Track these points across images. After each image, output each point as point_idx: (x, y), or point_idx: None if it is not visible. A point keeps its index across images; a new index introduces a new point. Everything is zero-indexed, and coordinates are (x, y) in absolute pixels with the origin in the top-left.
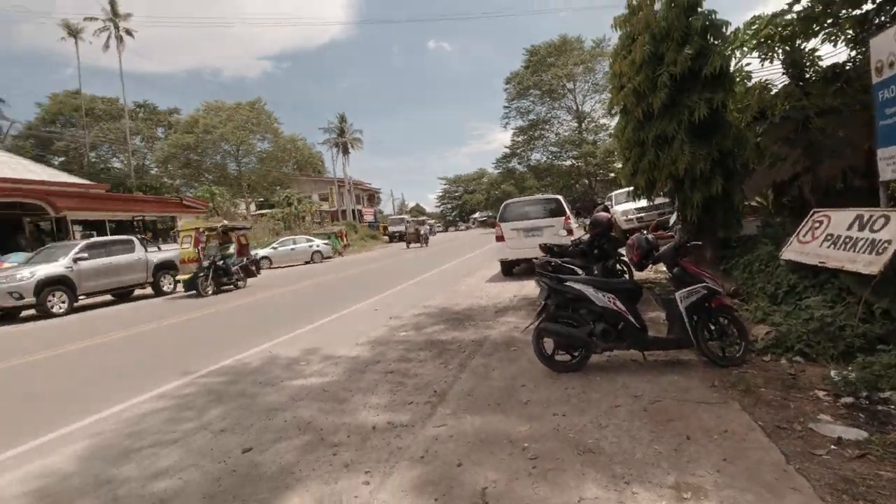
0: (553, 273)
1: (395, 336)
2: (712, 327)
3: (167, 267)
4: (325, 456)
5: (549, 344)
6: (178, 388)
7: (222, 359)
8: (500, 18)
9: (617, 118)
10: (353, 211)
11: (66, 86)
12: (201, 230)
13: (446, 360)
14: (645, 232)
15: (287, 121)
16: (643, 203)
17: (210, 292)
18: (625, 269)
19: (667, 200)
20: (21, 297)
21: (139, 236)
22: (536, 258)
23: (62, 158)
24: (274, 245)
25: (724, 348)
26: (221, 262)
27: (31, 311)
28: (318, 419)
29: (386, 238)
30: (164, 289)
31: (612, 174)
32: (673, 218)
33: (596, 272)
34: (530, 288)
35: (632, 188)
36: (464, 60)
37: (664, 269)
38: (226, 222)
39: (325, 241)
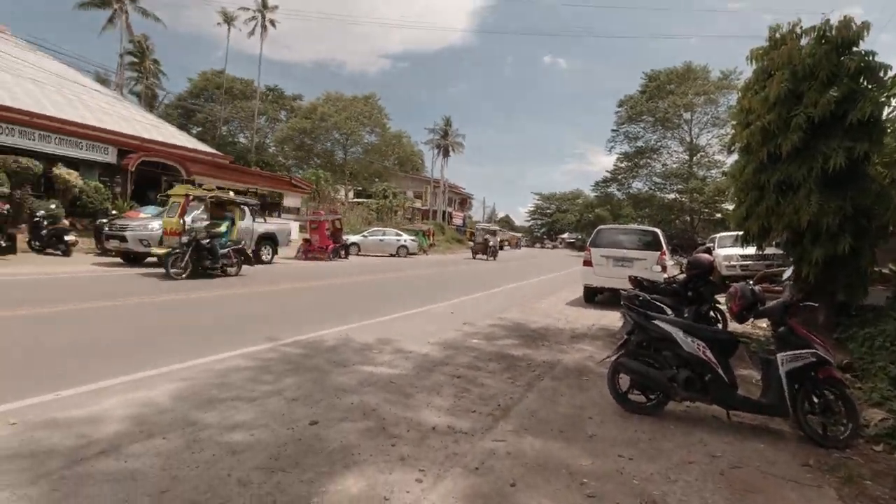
0: (640, 308)
1: (466, 342)
2: (815, 400)
3: (268, 238)
4: (383, 445)
5: (624, 381)
6: (261, 352)
7: (302, 333)
8: (621, 39)
9: (735, 156)
10: (444, 212)
11: (214, 66)
12: (191, 198)
13: (514, 375)
14: (750, 282)
15: (395, 117)
16: (751, 251)
17: (183, 275)
18: (718, 317)
19: (778, 252)
20: (148, 245)
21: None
22: (624, 290)
23: (199, 129)
24: (364, 233)
25: (826, 426)
26: (207, 241)
27: (154, 259)
28: (382, 408)
29: (471, 244)
30: (263, 258)
31: (719, 215)
32: (788, 272)
33: (686, 315)
34: (611, 319)
35: (741, 233)
36: (577, 78)
37: (764, 324)
38: (224, 194)
39: (413, 238)
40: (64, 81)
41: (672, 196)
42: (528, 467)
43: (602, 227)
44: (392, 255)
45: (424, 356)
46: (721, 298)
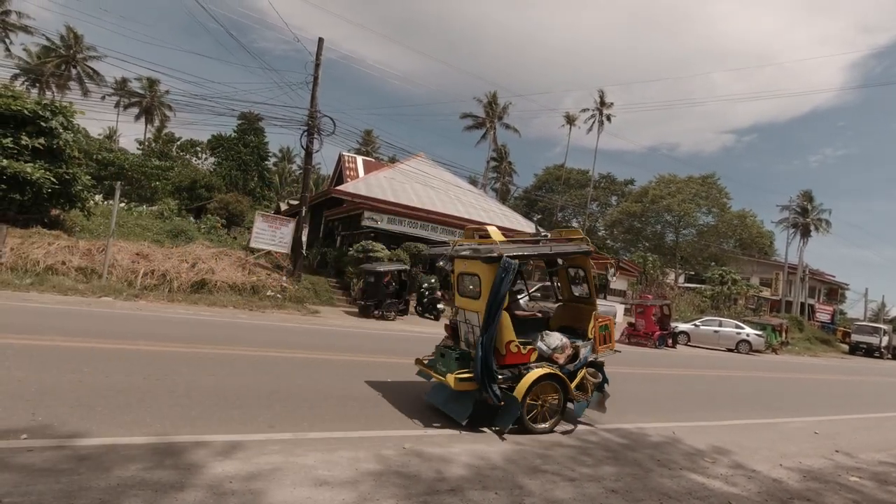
0: None
1: (839, 476)
2: None
3: None
4: None
5: None
6: (582, 433)
7: (623, 421)
8: None
9: None
10: (803, 304)
11: (554, 160)
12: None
13: None
14: None
15: (738, 195)
16: None
17: None
18: None
19: None
20: None
21: None
22: None
23: (539, 216)
24: (696, 322)
25: None
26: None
27: None
28: None
29: (845, 347)
30: None
31: None
32: None
33: None
34: None
35: None
36: None
37: None
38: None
39: (758, 332)
40: (449, 186)
41: None
42: None
43: None
44: (729, 350)
45: (775, 481)
46: None
